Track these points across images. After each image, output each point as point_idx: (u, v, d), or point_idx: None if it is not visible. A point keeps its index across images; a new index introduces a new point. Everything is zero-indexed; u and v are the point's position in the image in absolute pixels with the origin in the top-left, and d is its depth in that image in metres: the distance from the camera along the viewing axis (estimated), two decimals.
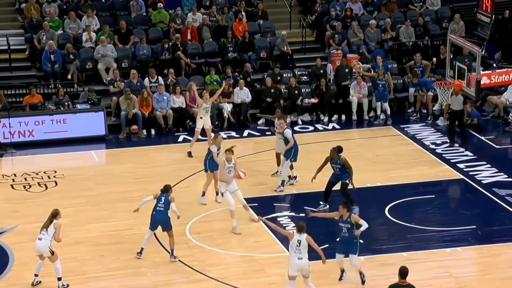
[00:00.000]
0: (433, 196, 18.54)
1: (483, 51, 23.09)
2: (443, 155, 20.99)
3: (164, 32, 25.52)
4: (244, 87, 23.66)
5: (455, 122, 21.54)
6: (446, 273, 15.16)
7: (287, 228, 16.93)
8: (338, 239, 14.74)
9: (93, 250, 16.07)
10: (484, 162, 20.47)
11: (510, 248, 16.18)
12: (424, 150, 21.42)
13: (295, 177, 19.14)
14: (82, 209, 17.91)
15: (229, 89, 23.59)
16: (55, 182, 19.52)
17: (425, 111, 24.04)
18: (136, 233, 16.43)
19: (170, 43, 24.68)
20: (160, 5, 25.87)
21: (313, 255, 15.01)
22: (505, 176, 19.64)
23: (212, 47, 25.32)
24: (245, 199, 17.84)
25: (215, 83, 23.73)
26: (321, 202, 17.83)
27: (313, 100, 24.03)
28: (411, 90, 24.21)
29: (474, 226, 17.04)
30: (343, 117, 23.87)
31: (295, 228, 14.14)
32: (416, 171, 19.94)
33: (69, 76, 23.79)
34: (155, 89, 23.37)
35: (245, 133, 22.79)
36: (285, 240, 16.27)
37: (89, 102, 22.83)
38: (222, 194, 17.07)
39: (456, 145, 21.41)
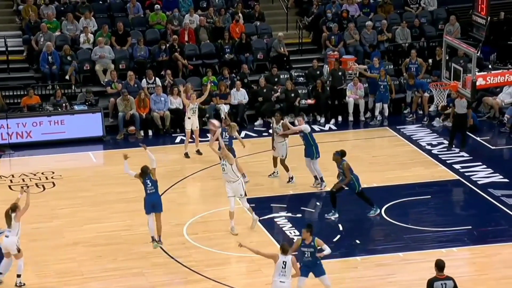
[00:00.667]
0: (429, 196, 18.59)
1: (479, 52, 23.09)
2: (439, 156, 21.06)
3: (162, 33, 25.57)
4: (240, 88, 23.74)
5: (458, 125, 21.54)
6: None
7: (283, 228, 17.03)
8: (299, 264, 13.62)
9: (90, 250, 16.09)
10: (480, 163, 20.54)
11: (505, 249, 16.22)
12: (420, 151, 21.49)
13: (291, 178, 19.22)
14: (79, 210, 17.95)
15: (226, 90, 23.68)
16: (53, 183, 19.57)
17: (421, 112, 24.15)
18: (133, 234, 16.50)
19: (167, 45, 24.75)
20: (157, 6, 25.93)
21: None
22: (501, 176, 19.71)
23: (209, 48, 25.39)
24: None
25: (212, 84, 23.84)
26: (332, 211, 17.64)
27: (310, 101, 24.12)
28: (408, 92, 24.32)
29: (470, 227, 17.09)
30: (340, 118, 23.96)
31: (280, 248, 13.22)
32: (412, 172, 20.00)
33: (67, 77, 23.83)
34: (152, 90, 23.43)
35: (242, 134, 22.82)
36: (282, 241, 16.42)
37: (87, 103, 22.87)
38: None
39: (455, 149, 21.43)
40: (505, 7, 27.33)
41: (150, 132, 23.04)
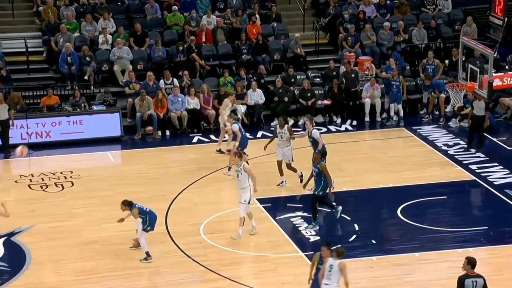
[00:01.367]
0: (445, 197, 18.59)
1: (495, 53, 23.11)
2: (455, 157, 21.05)
3: (179, 34, 25.72)
4: (257, 89, 23.85)
5: (476, 127, 21.50)
6: (458, 273, 15.13)
7: (299, 228, 17.10)
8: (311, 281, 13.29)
9: (108, 249, 16.21)
10: (496, 164, 20.51)
11: None
12: (436, 151, 21.50)
13: (301, 175, 19.06)
14: (97, 209, 18.08)
15: (242, 90, 23.81)
16: (71, 182, 19.72)
17: (437, 113, 24.14)
18: (150, 233, 16.44)
19: (185, 45, 24.90)
20: (175, 7, 26.10)
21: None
22: None
23: (226, 49, 25.52)
24: (259, 199, 18.07)
25: (229, 84, 23.98)
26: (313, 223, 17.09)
27: (326, 102, 24.19)
28: (425, 92, 24.34)
29: (486, 227, 17.08)
30: (355, 122, 23.88)
31: (334, 251, 12.85)
32: (428, 172, 20.01)
33: (85, 78, 24.04)
34: (170, 90, 23.59)
35: (259, 134, 22.96)
36: (298, 241, 16.53)
37: (105, 104, 23.04)
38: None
39: (472, 150, 21.44)
40: None
41: (168, 132, 23.17)
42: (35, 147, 21.90)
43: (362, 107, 23.96)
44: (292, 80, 24.59)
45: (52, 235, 16.82)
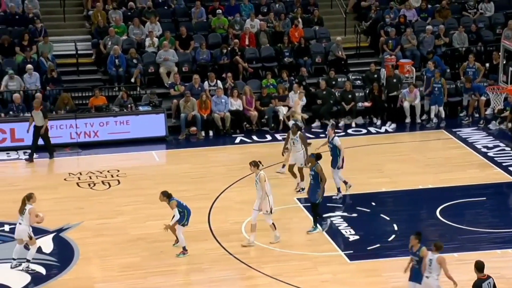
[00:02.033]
0: (484, 198, 18.61)
1: None
2: (495, 158, 21.05)
3: (223, 37, 26.07)
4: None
5: None
6: (497, 274, 14.84)
7: (339, 227, 17.34)
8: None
9: (153, 246, 16.45)
10: None
11: None
12: (475, 153, 21.52)
13: (347, 182, 19.16)
14: (142, 207, 18.37)
15: (284, 92, 24.14)
16: (118, 180, 20.09)
17: (477, 115, 24.16)
18: (193, 231, 16.70)
19: (229, 48, 25.27)
20: (219, 11, 26.49)
21: (360, 255, 15.37)
22: None
23: (269, 52, 25.85)
24: (299, 199, 18.38)
25: (271, 87, 24.35)
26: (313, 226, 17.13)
27: (367, 104, 24.41)
28: (465, 95, 24.42)
29: None
30: (394, 125, 23.93)
31: (433, 245, 13.21)
32: (468, 174, 20.05)
33: (132, 80, 24.47)
34: (213, 92, 23.96)
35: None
36: (337, 240, 16.77)
37: (151, 105, 23.40)
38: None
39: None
40: None
41: (211, 133, 23.52)
42: (84, 147, 22.35)
43: (402, 110, 24.11)
44: (333, 82, 24.85)
45: (99, 232, 17.15)
